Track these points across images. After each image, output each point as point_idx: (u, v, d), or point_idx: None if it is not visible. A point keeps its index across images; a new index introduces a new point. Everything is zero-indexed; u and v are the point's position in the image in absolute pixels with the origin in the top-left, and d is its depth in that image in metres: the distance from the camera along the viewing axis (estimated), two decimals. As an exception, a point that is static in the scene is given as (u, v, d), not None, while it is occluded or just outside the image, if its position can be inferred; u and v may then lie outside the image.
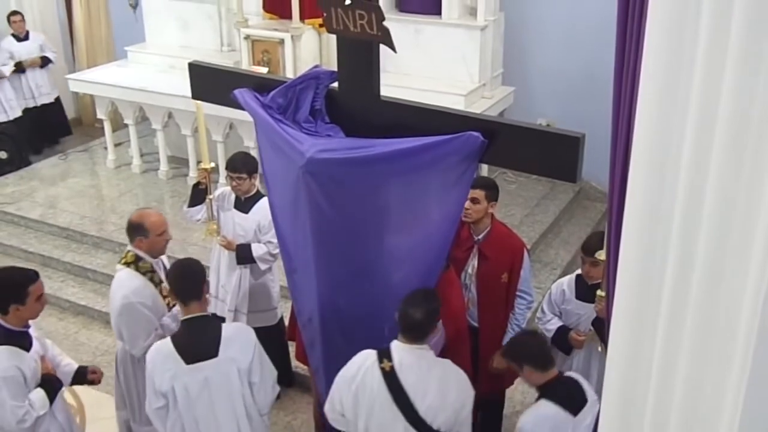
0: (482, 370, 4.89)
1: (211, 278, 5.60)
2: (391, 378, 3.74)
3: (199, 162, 5.79)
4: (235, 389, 4.08)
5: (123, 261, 4.71)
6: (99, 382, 4.68)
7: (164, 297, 4.69)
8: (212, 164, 5.32)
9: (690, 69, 1.96)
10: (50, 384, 4.28)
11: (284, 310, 5.78)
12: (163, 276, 4.73)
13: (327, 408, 3.96)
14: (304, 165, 3.75)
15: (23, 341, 4.16)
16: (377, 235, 3.94)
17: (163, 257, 4.87)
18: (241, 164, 5.45)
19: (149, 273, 4.68)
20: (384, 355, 3.79)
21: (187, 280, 4.12)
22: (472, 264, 4.85)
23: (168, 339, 4.12)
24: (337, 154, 3.74)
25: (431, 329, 3.83)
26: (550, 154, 3.50)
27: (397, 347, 3.81)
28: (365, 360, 3.82)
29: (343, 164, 3.73)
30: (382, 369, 3.76)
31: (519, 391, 5.86)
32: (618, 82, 2.77)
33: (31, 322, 4.24)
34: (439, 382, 3.78)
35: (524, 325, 5.06)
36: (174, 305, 4.67)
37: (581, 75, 8.37)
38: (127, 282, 4.59)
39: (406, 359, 3.77)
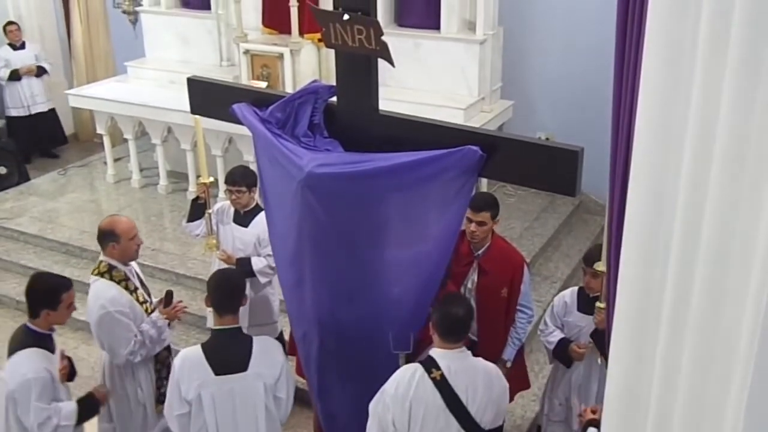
0: None
1: None
2: (443, 386, 3.75)
3: (198, 176, 5.77)
4: (260, 402, 4.14)
5: (96, 271, 4.73)
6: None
7: (141, 303, 4.73)
8: (211, 179, 5.31)
9: (689, 81, 1.96)
10: (89, 404, 4.37)
11: (284, 325, 5.76)
12: (137, 283, 4.79)
13: None
14: (302, 179, 3.74)
15: (49, 344, 4.27)
16: (376, 249, 3.93)
17: (135, 264, 4.91)
18: (240, 177, 5.46)
19: (123, 281, 4.70)
20: (430, 365, 3.78)
21: (226, 293, 4.18)
22: (472, 278, 4.85)
23: (198, 347, 4.18)
24: (336, 169, 3.74)
25: (470, 327, 3.86)
26: (549, 167, 3.49)
27: (441, 355, 3.81)
28: (413, 375, 3.79)
29: (342, 179, 3.73)
30: (433, 379, 3.75)
31: (519, 405, 5.84)
32: (617, 95, 2.77)
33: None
34: (484, 381, 3.82)
35: (524, 339, 5.04)
36: (153, 311, 4.71)
37: (580, 88, 8.38)
38: (103, 292, 4.62)
39: (454, 365, 3.78)
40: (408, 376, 3.79)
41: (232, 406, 4.10)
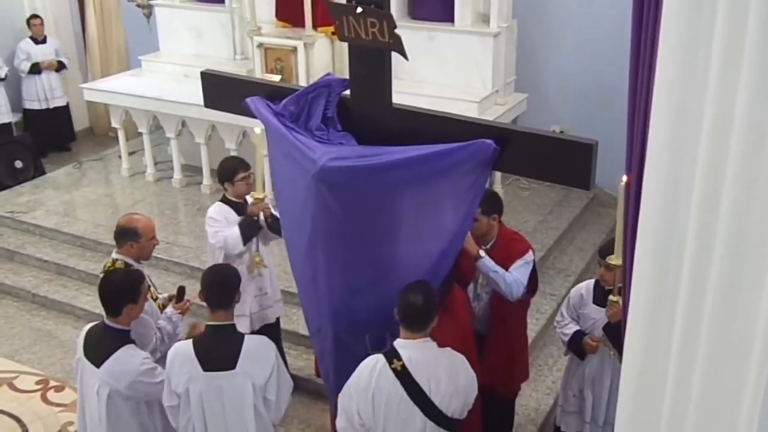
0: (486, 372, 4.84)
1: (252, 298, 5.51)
2: (404, 376, 3.76)
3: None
4: (248, 402, 4.11)
5: (111, 269, 4.72)
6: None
7: (154, 300, 4.77)
8: (265, 193, 5.15)
9: (705, 73, 1.95)
10: None
11: (298, 316, 5.76)
12: (149, 281, 4.80)
13: (343, 424, 3.92)
14: (316, 173, 3.75)
15: (131, 339, 4.30)
16: (389, 242, 3.93)
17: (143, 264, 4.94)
18: (246, 162, 5.49)
19: None
20: (392, 356, 3.80)
21: (219, 288, 4.18)
22: (483, 274, 4.81)
23: (189, 341, 4.19)
24: (350, 162, 3.74)
25: (433, 316, 3.82)
26: (563, 161, 3.48)
27: (403, 345, 3.82)
28: (374, 365, 3.82)
29: (356, 172, 3.73)
30: (394, 369, 3.77)
31: (533, 398, 5.83)
32: (632, 87, 2.75)
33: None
34: (448, 370, 3.82)
35: (497, 279, 4.54)
36: (166, 307, 4.77)
37: (595, 81, 8.34)
38: None
39: (415, 355, 3.79)
40: (370, 367, 3.82)
41: (221, 403, 4.09)
